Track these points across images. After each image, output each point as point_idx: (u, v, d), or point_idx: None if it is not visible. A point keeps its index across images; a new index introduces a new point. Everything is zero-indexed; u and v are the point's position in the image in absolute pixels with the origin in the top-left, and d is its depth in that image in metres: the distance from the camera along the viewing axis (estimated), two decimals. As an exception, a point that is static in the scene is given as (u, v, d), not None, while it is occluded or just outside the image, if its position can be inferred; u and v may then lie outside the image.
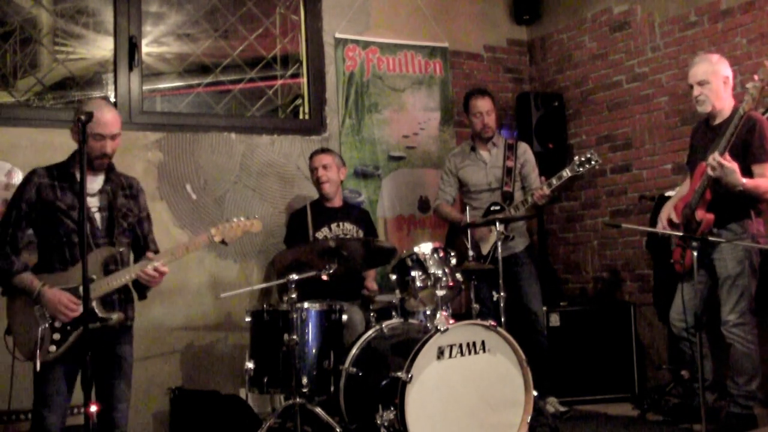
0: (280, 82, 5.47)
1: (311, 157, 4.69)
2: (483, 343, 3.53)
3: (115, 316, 3.16)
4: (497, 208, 4.67)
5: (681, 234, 3.83)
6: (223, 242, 3.43)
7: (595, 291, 5.66)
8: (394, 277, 3.95)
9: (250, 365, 3.78)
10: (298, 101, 5.46)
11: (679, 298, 3.98)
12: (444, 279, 3.79)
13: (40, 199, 3.14)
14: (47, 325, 3.07)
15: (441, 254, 3.91)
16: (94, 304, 3.11)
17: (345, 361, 3.71)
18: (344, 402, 3.68)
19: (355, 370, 3.68)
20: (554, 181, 4.44)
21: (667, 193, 4.55)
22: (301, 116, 5.41)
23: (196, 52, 5.21)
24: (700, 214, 3.83)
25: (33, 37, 5.01)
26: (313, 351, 3.83)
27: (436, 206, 5.00)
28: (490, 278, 4.34)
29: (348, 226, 4.61)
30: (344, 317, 3.94)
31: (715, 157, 3.67)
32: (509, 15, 6.18)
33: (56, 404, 3.09)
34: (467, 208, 4.59)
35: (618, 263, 5.50)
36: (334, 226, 4.58)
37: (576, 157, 4.46)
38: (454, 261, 3.95)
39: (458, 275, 3.93)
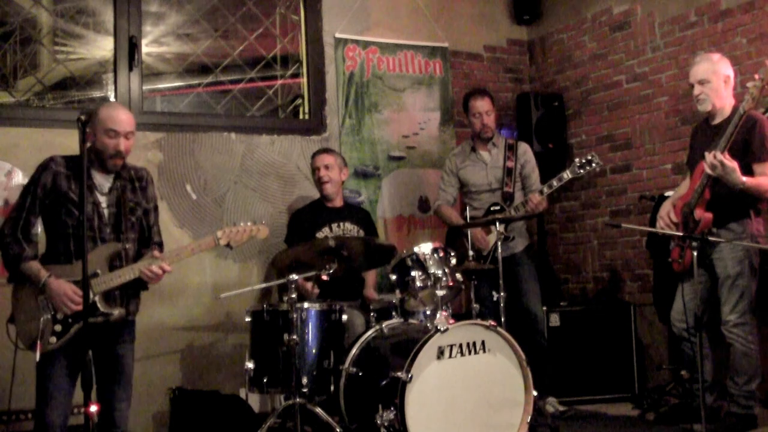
0: (280, 82, 5.47)
1: (313, 156, 4.69)
2: (483, 343, 3.53)
3: (117, 312, 3.18)
4: (497, 208, 4.67)
5: (681, 234, 3.83)
6: (228, 246, 3.46)
7: (595, 291, 5.66)
8: (394, 277, 3.95)
9: (250, 365, 3.78)
10: (298, 101, 5.46)
11: (679, 298, 3.98)
12: (444, 279, 3.79)
13: (54, 188, 3.17)
14: (50, 316, 3.09)
15: (441, 254, 3.91)
16: (96, 298, 3.13)
17: (345, 361, 3.71)
18: (344, 402, 3.68)
19: (355, 370, 3.68)
20: (554, 183, 4.45)
21: (667, 193, 4.55)
22: (301, 116, 5.41)
23: (196, 52, 5.21)
24: (699, 213, 3.83)
25: (33, 37, 5.01)
26: (313, 351, 3.83)
27: (436, 207, 5.00)
28: (490, 278, 4.34)
29: (349, 226, 4.61)
30: (344, 317, 3.94)
31: (716, 155, 3.66)
32: (509, 15, 6.18)
33: (58, 402, 3.10)
34: (467, 208, 4.59)
35: (618, 263, 5.50)
36: (334, 226, 4.58)
37: (577, 159, 4.47)
38: (454, 261, 3.95)
39: (458, 275, 3.94)
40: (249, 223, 3.51)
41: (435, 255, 3.89)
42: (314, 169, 4.66)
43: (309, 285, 4.15)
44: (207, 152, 4.91)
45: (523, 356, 3.57)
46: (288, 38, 5.43)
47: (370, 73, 5.50)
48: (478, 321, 3.58)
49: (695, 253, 3.52)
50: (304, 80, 5.37)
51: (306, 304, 3.85)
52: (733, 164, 3.64)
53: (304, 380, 3.72)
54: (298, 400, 3.60)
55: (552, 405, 4.62)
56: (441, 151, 5.61)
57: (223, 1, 5.21)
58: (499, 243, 4.18)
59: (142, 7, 4.85)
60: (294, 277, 3.72)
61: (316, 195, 4.77)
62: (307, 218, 4.62)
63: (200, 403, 4.07)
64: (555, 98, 5.81)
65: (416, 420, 3.30)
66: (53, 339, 3.08)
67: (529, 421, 3.57)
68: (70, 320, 3.10)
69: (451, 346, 3.46)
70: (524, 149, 4.90)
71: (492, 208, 4.69)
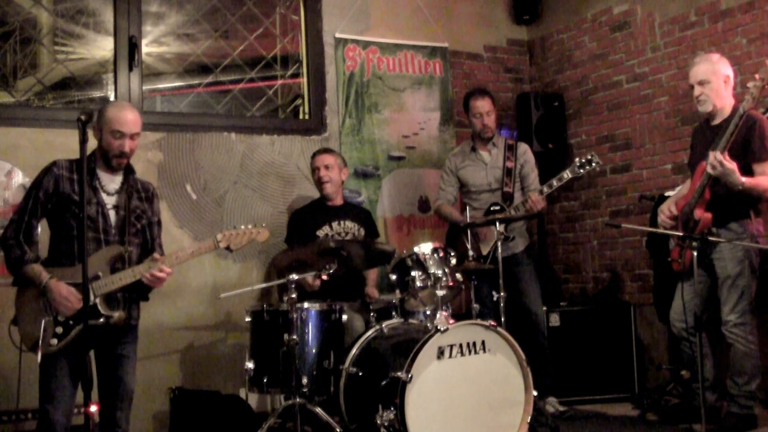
0: (280, 82, 5.47)
1: (313, 156, 4.69)
2: (483, 343, 3.53)
3: (117, 315, 3.18)
4: (497, 208, 4.67)
5: (681, 234, 3.83)
6: (228, 249, 3.46)
7: (595, 291, 5.66)
8: (394, 277, 3.95)
9: (250, 365, 3.78)
10: (298, 101, 5.46)
11: (679, 298, 3.98)
12: (444, 279, 3.79)
13: (57, 191, 3.18)
14: (51, 318, 3.09)
15: (441, 254, 3.91)
16: (97, 301, 3.13)
17: (345, 361, 3.71)
18: (344, 402, 3.68)
19: (355, 370, 3.68)
20: (554, 183, 4.45)
21: (667, 193, 4.56)
22: (301, 116, 5.41)
23: (196, 52, 5.21)
24: (699, 213, 3.83)
25: (33, 37, 5.01)
26: (313, 351, 3.83)
27: (436, 206, 5.00)
28: (490, 278, 4.35)
29: (349, 224, 4.61)
30: (344, 317, 3.94)
31: (716, 156, 3.67)
32: (509, 15, 6.18)
33: (61, 401, 3.11)
34: (467, 208, 4.59)
35: (618, 263, 5.50)
36: (335, 224, 4.58)
37: (577, 159, 4.47)
38: (454, 261, 3.95)
39: (458, 275, 3.94)
40: (249, 226, 3.51)
41: (435, 255, 3.89)
42: (314, 169, 4.66)
43: (310, 278, 4.15)
44: (207, 152, 4.91)
45: (523, 356, 3.57)
46: (288, 38, 5.44)
47: (370, 73, 5.50)
48: (478, 321, 3.58)
49: (695, 253, 3.52)
50: (304, 80, 5.37)
51: (306, 305, 3.85)
52: (732, 165, 3.64)
53: (304, 380, 3.72)
54: (298, 400, 3.60)
55: (552, 405, 4.62)
56: (441, 151, 5.61)
57: (223, 1, 5.21)
58: (499, 243, 4.19)
59: (142, 7, 4.85)
60: (294, 277, 3.72)
61: (316, 195, 4.77)
62: (307, 218, 4.62)
63: (200, 403, 4.07)
64: (555, 98, 5.81)
65: (416, 420, 3.30)
66: (54, 341, 3.09)
67: (529, 421, 3.58)
68: (71, 322, 3.10)
69: (451, 346, 3.46)
70: (524, 149, 4.90)
71: (492, 208, 4.69)
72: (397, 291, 3.95)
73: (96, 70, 5.11)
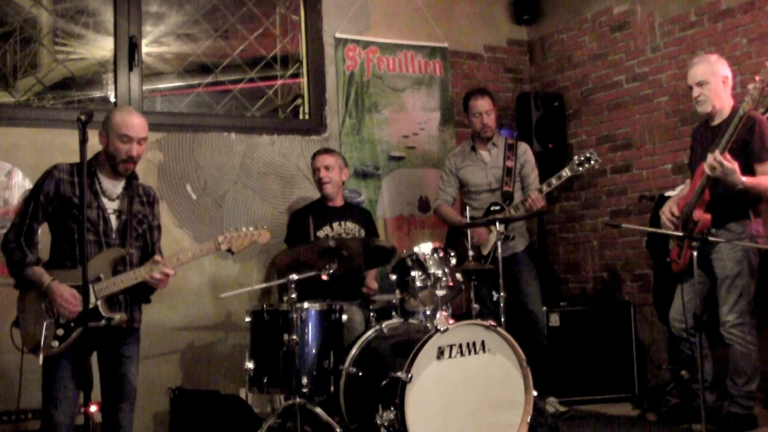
0: (280, 82, 5.47)
1: (314, 157, 4.69)
2: (483, 343, 3.53)
3: (118, 317, 3.18)
4: (497, 208, 4.67)
5: (681, 234, 3.83)
6: (229, 251, 3.46)
7: (595, 291, 5.66)
8: (394, 277, 3.95)
9: (250, 365, 3.78)
10: (298, 101, 5.46)
11: (679, 298, 3.98)
12: (444, 279, 3.79)
13: (58, 194, 3.19)
14: (52, 320, 3.10)
15: (441, 254, 3.91)
16: (99, 303, 3.13)
17: (345, 361, 3.71)
18: (344, 402, 3.68)
19: (355, 370, 3.68)
20: (554, 181, 4.45)
21: (667, 193, 4.56)
22: (301, 116, 5.41)
23: (196, 52, 5.21)
24: (698, 214, 3.83)
25: (33, 37, 5.01)
26: (313, 351, 3.83)
27: (436, 207, 5.00)
28: (490, 278, 4.34)
29: (350, 225, 4.61)
30: (344, 317, 3.94)
31: (715, 156, 3.67)
32: (509, 15, 6.18)
33: (63, 403, 3.12)
34: (467, 208, 4.59)
35: (618, 263, 5.50)
36: (335, 225, 4.58)
37: (575, 157, 4.47)
38: (454, 261, 3.95)
39: (458, 275, 3.93)
40: (251, 228, 3.52)
41: (435, 255, 3.89)
42: (314, 170, 4.66)
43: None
44: (207, 152, 4.91)
45: (523, 356, 3.57)
46: (288, 38, 5.44)
47: (370, 73, 5.50)
48: (478, 321, 3.58)
49: (695, 254, 3.52)
50: (304, 80, 5.37)
51: (306, 305, 3.85)
52: (733, 165, 3.64)
53: (304, 380, 3.72)
54: (298, 400, 3.60)
55: (552, 405, 4.62)
56: (441, 151, 5.61)
57: (223, 1, 5.21)
58: (499, 243, 4.19)
59: (142, 7, 4.85)
60: (294, 277, 3.72)
61: (316, 195, 4.77)
62: (307, 218, 4.61)
63: (200, 403, 4.07)
64: (555, 98, 5.81)
65: (416, 420, 3.30)
66: (56, 343, 3.09)
67: (529, 421, 3.58)
68: (72, 324, 3.11)
69: (451, 346, 3.46)
70: (524, 149, 4.90)
71: (492, 208, 4.69)
72: (397, 291, 3.95)
73: (96, 70, 5.11)
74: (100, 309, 3.14)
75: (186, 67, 5.30)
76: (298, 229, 4.62)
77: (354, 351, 3.74)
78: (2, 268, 3.69)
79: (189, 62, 5.28)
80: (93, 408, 2.67)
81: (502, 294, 4.10)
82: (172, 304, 4.62)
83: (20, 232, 3.16)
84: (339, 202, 4.69)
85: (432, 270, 3.84)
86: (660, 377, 5.04)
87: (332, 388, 3.74)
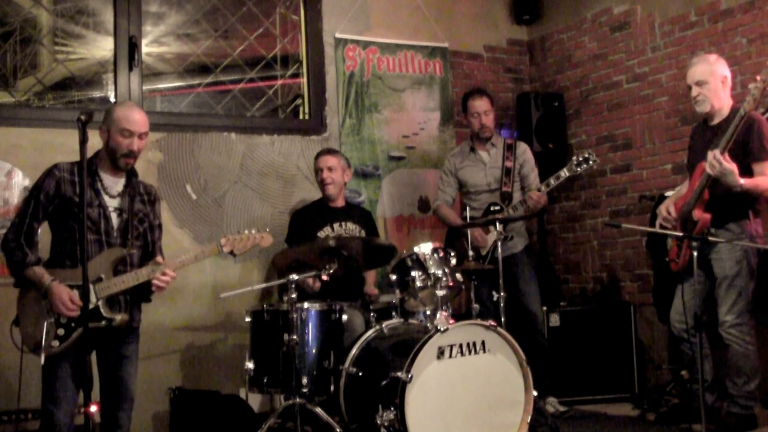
0: (280, 82, 5.47)
1: (317, 157, 4.68)
2: (483, 343, 3.53)
3: (119, 317, 3.18)
4: (497, 208, 4.67)
5: (681, 234, 3.83)
6: (231, 254, 3.46)
7: (595, 291, 5.66)
8: (394, 277, 3.95)
9: (250, 365, 3.78)
10: (298, 101, 5.46)
11: (679, 298, 3.98)
12: (444, 279, 3.80)
13: (58, 194, 3.18)
14: (53, 320, 3.10)
15: (441, 254, 3.91)
16: (99, 303, 3.13)
17: (345, 361, 3.71)
18: (344, 402, 3.68)
19: (355, 370, 3.68)
20: (552, 181, 4.45)
21: (667, 193, 4.55)
22: (301, 116, 5.41)
23: (196, 52, 5.22)
24: (697, 214, 3.83)
25: (33, 37, 5.01)
26: (313, 351, 3.83)
27: (435, 207, 5.00)
28: (489, 278, 4.34)
29: (351, 225, 4.61)
30: (344, 317, 3.94)
31: (715, 155, 3.66)
32: (509, 15, 6.18)
33: (64, 402, 3.11)
34: (467, 208, 4.59)
35: (618, 263, 5.50)
36: (336, 225, 4.58)
37: (574, 157, 4.47)
38: (454, 261, 3.95)
39: (458, 275, 3.94)
40: (253, 231, 3.52)
41: (435, 255, 3.89)
42: (317, 170, 4.65)
43: (310, 280, 4.15)
44: (207, 152, 4.91)
45: (523, 356, 3.57)
46: (288, 38, 5.43)
47: (370, 73, 5.50)
48: (478, 321, 3.58)
49: (695, 254, 3.52)
50: (304, 80, 5.37)
51: (306, 305, 3.85)
52: (731, 166, 3.64)
53: (304, 380, 3.72)
54: (298, 400, 3.60)
55: (552, 405, 4.62)
56: (441, 151, 5.61)
57: (223, 1, 5.21)
58: (499, 243, 4.19)
59: (142, 7, 4.85)
60: (294, 277, 3.72)
61: (317, 195, 4.77)
62: (308, 218, 4.62)
63: (200, 403, 4.07)
64: (555, 98, 5.81)
65: (416, 420, 3.30)
66: (56, 343, 3.09)
67: (529, 421, 3.58)
68: (72, 324, 3.10)
69: (451, 346, 3.46)
70: (523, 149, 4.90)
71: (491, 208, 4.69)
72: (397, 291, 3.95)
73: (96, 70, 5.10)
74: (101, 309, 3.14)
75: (186, 67, 5.30)
76: (298, 229, 4.62)
77: (354, 351, 3.74)
78: (2, 268, 3.69)
79: (189, 62, 5.28)
80: (93, 408, 2.67)
81: (502, 294, 4.11)
82: (172, 304, 4.62)
83: (20, 232, 3.16)
84: (340, 202, 4.69)
85: (432, 270, 3.84)
86: (660, 377, 5.04)
87: (332, 388, 3.74)
